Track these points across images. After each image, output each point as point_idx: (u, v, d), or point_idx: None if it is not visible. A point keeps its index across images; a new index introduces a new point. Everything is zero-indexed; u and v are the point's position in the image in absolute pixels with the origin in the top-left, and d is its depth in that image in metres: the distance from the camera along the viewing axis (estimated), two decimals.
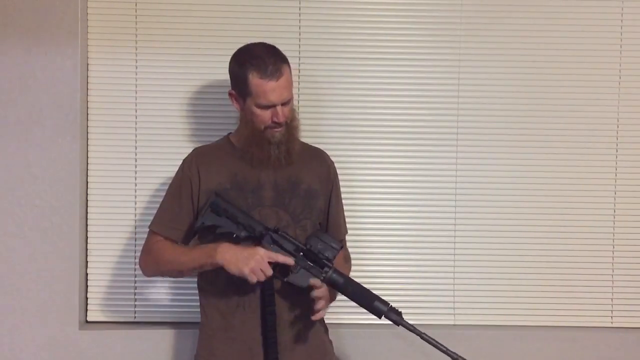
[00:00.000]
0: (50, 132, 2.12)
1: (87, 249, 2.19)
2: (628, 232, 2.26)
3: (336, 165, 1.95)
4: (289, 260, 1.69)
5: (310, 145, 1.96)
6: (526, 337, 2.22)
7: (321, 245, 1.71)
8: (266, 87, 1.72)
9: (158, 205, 1.88)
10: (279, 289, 1.74)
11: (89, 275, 2.20)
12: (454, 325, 2.24)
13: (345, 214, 1.98)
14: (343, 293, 1.74)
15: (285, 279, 1.70)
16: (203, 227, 1.75)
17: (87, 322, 2.20)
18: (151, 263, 1.85)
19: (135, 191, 2.20)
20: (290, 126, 1.80)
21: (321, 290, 1.71)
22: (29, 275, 2.13)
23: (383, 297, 1.72)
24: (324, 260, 1.70)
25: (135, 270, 2.19)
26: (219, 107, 2.18)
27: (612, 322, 2.27)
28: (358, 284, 1.74)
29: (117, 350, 2.15)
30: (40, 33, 2.10)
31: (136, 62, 2.19)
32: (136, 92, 2.19)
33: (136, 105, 2.19)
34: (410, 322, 2.22)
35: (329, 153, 1.96)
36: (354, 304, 2.19)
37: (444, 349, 1.67)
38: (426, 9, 2.22)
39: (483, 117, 2.23)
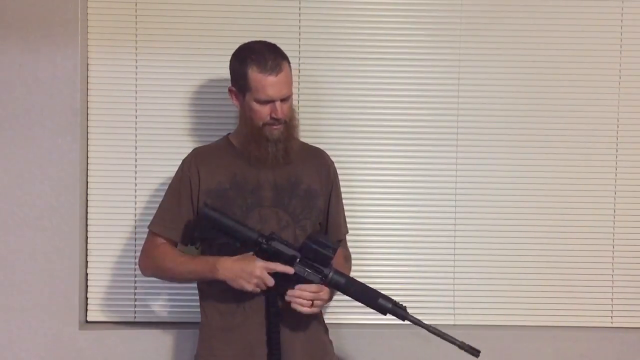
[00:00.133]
0: (50, 132, 2.12)
1: (87, 249, 2.19)
2: (628, 232, 2.26)
3: (336, 165, 1.95)
4: (288, 269, 1.68)
5: (310, 145, 1.96)
6: (526, 337, 2.22)
7: (318, 248, 1.68)
8: (265, 82, 1.73)
9: (158, 205, 1.88)
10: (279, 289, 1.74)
11: (89, 275, 2.20)
12: (454, 325, 2.24)
13: (345, 214, 1.98)
14: (345, 293, 1.74)
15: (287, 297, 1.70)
16: (198, 238, 1.74)
17: (87, 322, 2.20)
18: (151, 266, 1.86)
19: (135, 191, 2.20)
20: (289, 125, 1.80)
21: (324, 292, 1.71)
22: (29, 275, 2.13)
23: None
24: (325, 258, 1.69)
25: (135, 270, 2.19)
26: (218, 107, 2.18)
27: (612, 322, 2.27)
28: (360, 283, 1.74)
29: (117, 350, 2.15)
30: (40, 33, 2.10)
31: (136, 62, 2.19)
32: (136, 92, 2.19)
33: (136, 105, 2.19)
34: None
35: (328, 153, 1.96)
36: (353, 304, 2.19)
37: (451, 339, 1.71)
38: (426, 9, 2.22)
39: (483, 117, 2.23)
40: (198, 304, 1.87)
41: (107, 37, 2.18)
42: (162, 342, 2.16)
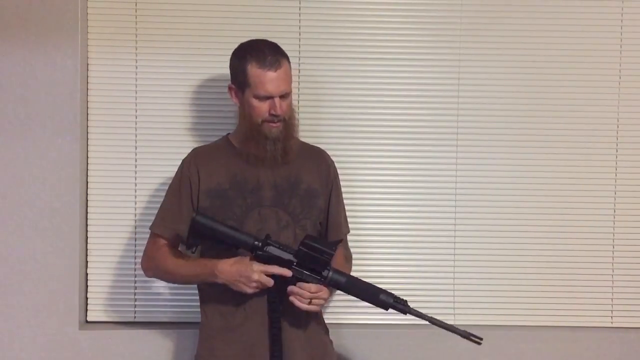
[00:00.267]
0: (50, 132, 2.12)
1: (87, 249, 2.19)
2: (628, 232, 2.26)
3: (336, 165, 1.95)
4: (286, 272, 1.68)
5: (311, 145, 1.96)
6: (526, 337, 2.22)
7: (314, 254, 1.67)
8: (264, 78, 1.73)
9: (158, 205, 1.89)
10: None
11: (89, 275, 2.20)
12: (454, 325, 2.24)
13: (346, 213, 1.98)
14: (346, 292, 1.74)
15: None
16: (193, 245, 1.73)
17: (87, 322, 2.20)
18: (152, 268, 1.87)
19: (135, 191, 2.20)
20: (288, 123, 1.80)
21: (323, 292, 1.71)
22: (29, 275, 2.13)
23: None
24: (320, 264, 1.68)
25: (135, 270, 2.19)
26: (218, 107, 2.18)
27: (612, 322, 2.27)
28: (359, 280, 1.75)
29: (117, 350, 2.15)
30: (40, 33, 2.10)
31: (136, 62, 2.19)
32: (136, 92, 2.19)
33: (136, 105, 2.19)
34: (411, 321, 2.24)
35: (328, 153, 1.97)
36: (353, 304, 2.20)
37: (454, 329, 1.73)
38: (426, 9, 2.22)
39: (483, 117, 2.23)
40: (198, 304, 1.88)
41: (107, 37, 2.18)
42: (162, 342, 2.16)
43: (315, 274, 1.69)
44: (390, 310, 1.74)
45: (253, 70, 1.74)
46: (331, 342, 1.91)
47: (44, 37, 2.10)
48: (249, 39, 1.84)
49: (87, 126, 2.18)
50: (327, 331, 1.91)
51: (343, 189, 1.97)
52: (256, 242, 1.68)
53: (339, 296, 2.21)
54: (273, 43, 1.80)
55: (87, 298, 2.21)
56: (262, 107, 1.76)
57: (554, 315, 2.25)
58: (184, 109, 2.19)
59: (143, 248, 1.91)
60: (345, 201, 1.98)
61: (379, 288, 1.73)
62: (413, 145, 2.23)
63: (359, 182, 2.21)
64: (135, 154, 2.20)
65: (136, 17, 2.18)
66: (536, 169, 2.24)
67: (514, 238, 2.24)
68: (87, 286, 2.20)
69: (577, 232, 2.25)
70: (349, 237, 1.99)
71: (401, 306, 1.72)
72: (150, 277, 1.92)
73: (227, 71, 1.84)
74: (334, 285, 1.71)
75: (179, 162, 1.89)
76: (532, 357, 2.21)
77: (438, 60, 2.22)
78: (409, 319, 2.21)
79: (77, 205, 2.13)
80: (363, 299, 1.74)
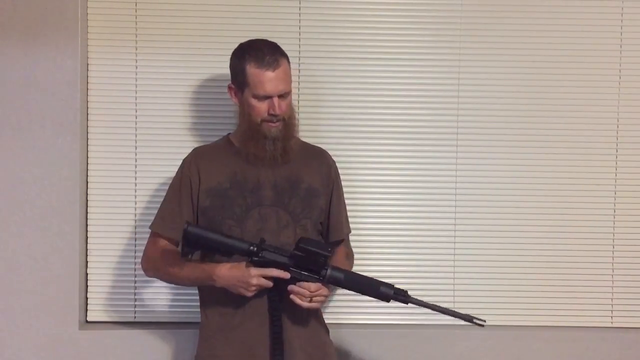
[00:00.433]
0: (50, 132, 2.12)
1: (87, 249, 2.19)
2: (628, 232, 2.26)
3: (336, 165, 1.95)
4: (284, 275, 1.68)
5: (312, 145, 1.96)
6: (526, 337, 2.22)
7: (308, 258, 1.66)
8: (263, 77, 1.73)
9: (158, 205, 1.89)
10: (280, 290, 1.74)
11: (89, 275, 2.20)
12: (454, 325, 2.23)
13: (347, 213, 1.98)
14: (346, 288, 1.74)
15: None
16: (188, 253, 1.72)
17: (87, 322, 2.20)
18: (152, 268, 1.87)
19: (135, 191, 2.20)
20: (288, 123, 1.80)
21: (323, 289, 1.71)
22: (29, 275, 2.13)
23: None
24: (317, 265, 1.68)
25: (135, 270, 2.19)
26: (218, 107, 2.18)
27: (612, 322, 2.27)
28: (358, 275, 1.74)
29: (117, 350, 2.15)
30: (40, 33, 2.10)
31: (136, 62, 2.19)
32: (136, 92, 2.19)
33: (136, 105, 2.19)
34: (411, 321, 2.24)
35: (329, 153, 1.96)
36: (353, 304, 2.20)
37: (456, 314, 1.73)
38: (426, 9, 2.22)
39: (483, 117, 2.23)
40: (198, 304, 1.88)
41: (107, 37, 2.18)
42: (162, 342, 2.16)
43: (314, 273, 1.69)
44: (392, 302, 1.73)
45: (252, 70, 1.74)
46: (332, 342, 1.91)
47: (44, 37, 2.10)
48: (249, 39, 1.84)
49: (87, 126, 2.18)
50: (327, 331, 1.91)
51: (343, 189, 1.97)
52: (251, 247, 1.67)
53: (339, 296, 2.21)
54: (272, 43, 1.80)
55: (87, 298, 2.21)
56: (261, 107, 1.76)
57: (554, 315, 2.25)
58: (183, 109, 2.19)
59: (143, 248, 1.91)
60: (345, 201, 1.98)
61: (378, 281, 1.73)
62: (413, 145, 2.23)
63: (358, 182, 2.21)
64: (135, 154, 2.20)
65: (136, 17, 2.18)
66: (536, 169, 2.24)
67: (514, 238, 2.24)
68: (87, 286, 2.20)
69: (577, 232, 2.25)
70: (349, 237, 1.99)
71: (402, 297, 1.72)
72: (151, 277, 1.93)
73: (227, 71, 1.84)
74: (333, 283, 1.71)
75: (179, 162, 1.89)
76: (532, 357, 2.21)
77: (438, 60, 2.22)
78: (409, 319, 2.23)
79: (77, 205, 2.13)
80: (364, 293, 1.74)
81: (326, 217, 1.90)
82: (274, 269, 1.67)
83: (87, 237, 2.19)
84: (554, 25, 2.23)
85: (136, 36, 2.18)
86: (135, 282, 2.20)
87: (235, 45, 1.83)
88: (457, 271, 2.24)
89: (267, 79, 1.73)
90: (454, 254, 2.24)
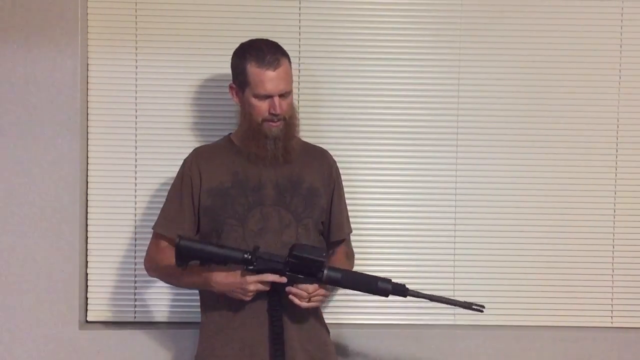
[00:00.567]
0: (50, 132, 2.12)
1: (87, 249, 2.19)
2: (628, 232, 2.26)
3: (337, 165, 1.95)
4: (281, 280, 1.68)
5: (313, 145, 1.97)
6: (526, 337, 2.22)
7: (305, 260, 1.66)
8: (263, 77, 1.73)
9: (158, 205, 1.89)
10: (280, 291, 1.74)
11: (89, 275, 2.20)
12: (454, 325, 2.24)
13: (348, 213, 1.98)
14: (345, 287, 1.74)
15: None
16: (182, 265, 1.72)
17: (87, 322, 2.20)
18: (154, 269, 1.88)
19: (135, 191, 2.20)
20: (289, 123, 1.80)
21: (321, 290, 1.71)
22: (29, 275, 2.13)
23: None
24: (313, 270, 1.67)
25: (135, 271, 2.19)
26: (218, 107, 2.18)
27: (612, 322, 2.27)
28: (355, 273, 1.75)
29: (117, 350, 2.15)
30: (40, 33, 2.10)
31: (136, 62, 2.19)
32: (136, 92, 2.19)
33: (136, 105, 2.19)
34: (411, 321, 2.24)
35: (330, 153, 1.96)
36: (353, 304, 2.20)
37: (454, 302, 1.75)
38: (426, 9, 2.22)
39: (483, 117, 2.23)
40: (198, 304, 1.88)
41: (107, 37, 2.18)
42: (162, 342, 2.16)
43: (310, 276, 1.69)
44: (392, 302, 1.73)
45: (252, 69, 1.75)
46: (332, 343, 1.91)
47: (44, 37, 2.10)
48: (249, 39, 1.84)
49: (87, 126, 2.18)
50: (328, 331, 1.91)
51: (344, 189, 1.97)
52: (245, 255, 1.67)
53: (339, 296, 2.21)
54: (273, 42, 1.80)
55: (87, 298, 2.21)
56: (262, 106, 1.76)
57: (554, 315, 2.25)
58: (183, 109, 2.19)
59: (143, 248, 1.91)
60: (346, 201, 1.98)
61: (375, 277, 1.73)
62: (413, 145, 2.23)
63: (358, 182, 2.21)
64: (135, 154, 2.20)
65: (136, 17, 2.18)
66: (536, 169, 2.24)
67: (514, 238, 2.24)
68: (87, 286, 2.20)
69: (577, 232, 2.25)
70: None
71: (400, 290, 1.72)
72: (153, 277, 1.93)
73: (227, 71, 1.84)
74: (331, 283, 1.71)
75: (180, 162, 1.89)
76: (532, 357, 2.21)
77: (438, 60, 2.22)
78: (409, 319, 2.23)
79: (77, 205, 2.13)
80: (362, 291, 1.74)
81: (327, 217, 1.90)
82: (270, 275, 1.67)
83: (87, 237, 2.19)
84: (554, 25, 2.23)
85: (136, 36, 2.18)
86: (135, 282, 2.20)
87: (236, 45, 1.83)
88: (457, 271, 2.24)
89: (267, 78, 1.73)
90: (454, 254, 2.24)
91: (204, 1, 2.18)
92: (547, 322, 2.25)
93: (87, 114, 2.18)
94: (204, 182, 1.82)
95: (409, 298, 1.75)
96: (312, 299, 1.70)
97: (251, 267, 1.66)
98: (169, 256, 1.79)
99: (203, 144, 2.04)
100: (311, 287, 1.69)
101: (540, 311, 2.25)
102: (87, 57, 2.18)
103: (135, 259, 2.19)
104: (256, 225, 1.78)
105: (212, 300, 1.80)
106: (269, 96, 1.75)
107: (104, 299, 2.21)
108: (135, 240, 2.19)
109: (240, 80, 1.78)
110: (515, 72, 2.23)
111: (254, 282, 1.68)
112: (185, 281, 1.82)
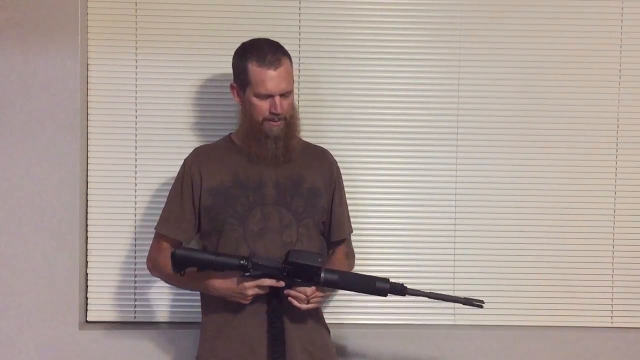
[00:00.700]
0: (50, 132, 2.12)
1: (87, 249, 2.19)
2: (628, 232, 2.26)
3: (338, 165, 1.95)
4: (279, 284, 1.68)
5: (314, 145, 1.97)
6: (526, 337, 2.22)
7: (300, 266, 1.66)
8: (264, 76, 1.73)
9: (158, 205, 1.89)
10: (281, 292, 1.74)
11: (89, 275, 2.20)
12: (454, 325, 2.24)
13: (349, 213, 1.98)
14: (343, 289, 1.74)
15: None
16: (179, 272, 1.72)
17: (87, 322, 2.20)
18: (155, 269, 1.89)
19: (135, 191, 2.20)
20: (290, 122, 1.80)
21: (319, 293, 1.72)
22: (29, 275, 2.13)
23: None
24: (309, 274, 1.67)
25: (135, 271, 2.19)
26: (218, 107, 2.18)
27: (612, 322, 2.27)
28: (353, 274, 1.75)
29: (117, 350, 2.15)
30: (40, 33, 2.10)
31: (136, 62, 2.19)
32: (136, 92, 2.19)
33: (136, 105, 2.19)
34: (411, 321, 2.24)
35: (330, 153, 1.96)
36: (353, 304, 2.20)
37: (454, 298, 1.74)
38: (426, 9, 2.22)
39: (483, 117, 2.23)
40: (198, 304, 1.88)
41: (107, 37, 2.18)
42: (162, 342, 2.16)
43: (307, 280, 1.69)
44: (392, 302, 1.73)
45: (253, 68, 1.75)
46: (333, 343, 1.91)
47: (44, 37, 2.10)
48: (249, 39, 1.84)
49: (87, 126, 2.18)
50: (328, 331, 1.91)
51: (344, 189, 1.97)
52: (242, 262, 1.67)
53: (340, 296, 2.21)
54: (274, 42, 1.80)
55: (87, 298, 2.21)
56: (263, 106, 1.76)
57: (554, 315, 2.26)
58: (183, 109, 2.19)
59: (143, 248, 1.91)
60: (347, 201, 1.98)
61: (373, 277, 1.73)
62: (413, 145, 2.23)
63: (358, 182, 2.21)
64: (135, 154, 2.20)
65: (136, 17, 2.18)
66: (536, 169, 2.24)
67: (513, 238, 2.24)
68: (87, 286, 2.20)
69: (577, 232, 2.25)
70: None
71: (399, 290, 1.72)
72: (155, 277, 1.93)
73: (227, 71, 1.84)
74: (328, 285, 1.71)
75: (180, 162, 1.89)
76: (532, 357, 2.21)
77: (438, 60, 2.22)
78: (409, 319, 2.23)
79: (77, 205, 2.13)
80: (360, 291, 1.74)
81: (328, 217, 1.90)
82: (268, 279, 1.68)
83: (87, 237, 2.19)
84: (554, 26, 2.23)
85: (136, 36, 2.18)
86: (135, 282, 2.20)
87: (236, 45, 1.83)
88: (457, 271, 2.24)
89: (268, 77, 1.73)
90: (454, 254, 2.24)
91: (204, 1, 2.18)
92: (547, 322, 2.25)
93: (87, 114, 2.18)
94: (204, 181, 1.82)
95: (409, 298, 1.75)
96: (311, 300, 1.71)
97: (247, 274, 1.67)
98: (168, 259, 1.79)
99: (203, 143, 2.04)
100: (309, 290, 1.69)
101: (540, 311, 2.25)
102: (87, 57, 2.18)
103: (135, 259, 2.19)
104: (257, 225, 1.78)
105: (213, 301, 1.80)
106: (269, 96, 1.75)
107: (104, 299, 2.21)
108: (135, 240, 2.19)
109: (241, 79, 1.78)
110: (515, 72, 2.23)
111: (252, 287, 1.69)
112: (185, 285, 1.85)
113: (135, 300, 2.21)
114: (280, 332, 1.72)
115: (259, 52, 1.75)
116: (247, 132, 1.81)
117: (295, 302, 1.70)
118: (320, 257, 1.70)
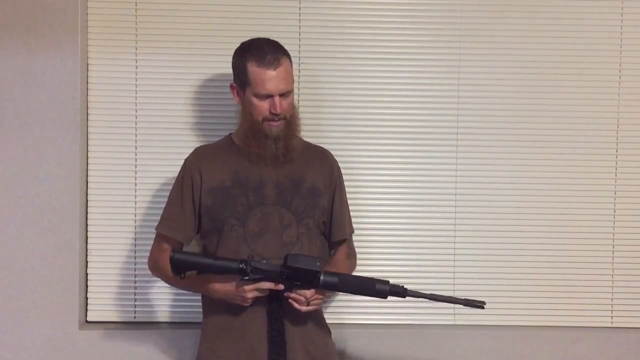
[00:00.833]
0: (50, 132, 2.12)
1: (87, 249, 2.19)
2: (628, 232, 2.26)
3: (338, 165, 1.95)
4: (278, 287, 1.68)
5: (315, 145, 1.97)
6: (526, 337, 2.22)
7: (299, 271, 1.66)
8: (264, 76, 1.73)
9: (158, 205, 1.90)
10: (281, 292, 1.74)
11: (89, 275, 2.20)
12: (454, 325, 2.24)
13: (350, 214, 1.98)
14: (342, 291, 1.74)
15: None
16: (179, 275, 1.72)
17: (87, 322, 2.20)
18: (157, 271, 1.89)
19: (135, 191, 2.20)
20: (289, 122, 1.80)
21: (319, 295, 1.72)
22: (29, 275, 2.13)
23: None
24: (308, 278, 1.67)
25: (135, 271, 2.19)
26: (218, 107, 2.18)
27: (612, 322, 2.27)
28: (352, 276, 1.75)
29: (117, 350, 2.15)
30: (40, 33, 2.10)
31: (136, 62, 2.19)
32: (136, 92, 2.19)
33: (136, 105, 2.19)
34: (411, 321, 2.24)
35: (331, 153, 1.96)
36: (353, 304, 2.20)
37: (454, 300, 1.73)
38: (426, 9, 2.22)
39: (483, 117, 2.23)
40: (199, 304, 1.88)
41: (107, 37, 2.18)
42: (162, 342, 2.16)
43: (307, 283, 1.69)
44: (392, 302, 1.73)
45: (253, 68, 1.75)
46: (334, 343, 1.91)
47: (44, 37, 2.10)
48: (248, 39, 1.84)
49: (87, 126, 2.18)
50: (329, 331, 1.91)
51: (345, 189, 1.97)
52: (240, 265, 1.67)
53: (340, 296, 2.21)
54: (274, 41, 1.80)
55: (87, 298, 2.21)
56: (263, 106, 1.76)
57: (554, 315, 2.25)
58: (183, 109, 2.19)
59: (143, 248, 1.91)
60: (348, 201, 1.98)
61: (373, 279, 1.73)
62: (413, 145, 2.23)
63: (358, 182, 2.21)
64: (135, 154, 2.20)
65: (136, 17, 2.18)
66: (536, 169, 2.24)
67: (513, 238, 2.24)
68: (87, 286, 2.20)
69: (577, 232, 2.25)
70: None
71: (399, 291, 1.72)
72: (156, 277, 1.94)
73: (227, 71, 1.84)
74: (328, 288, 1.72)
75: (180, 162, 1.89)
76: (532, 357, 2.21)
77: (438, 60, 2.22)
78: (409, 319, 2.23)
79: (77, 205, 2.13)
80: (360, 294, 1.74)
81: (328, 217, 1.90)
82: (267, 283, 1.68)
83: (87, 237, 2.19)
84: (554, 26, 2.23)
85: (136, 36, 2.18)
86: (135, 282, 2.20)
87: (236, 45, 1.83)
88: (457, 271, 2.24)
89: (268, 77, 1.73)
90: (454, 254, 2.24)
91: (204, 1, 2.18)
92: (547, 322, 2.25)
93: (87, 114, 2.18)
94: (204, 181, 1.82)
95: (409, 298, 1.75)
96: (311, 302, 1.71)
97: (246, 278, 1.67)
98: (168, 277, 1.80)
99: (203, 143, 2.04)
100: (309, 293, 1.69)
101: (540, 311, 2.25)
102: (87, 57, 2.18)
103: (135, 258, 2.19)
104: (257, 225, 1.78)
105: (214, 302, 1.80)
106: (269, 95, 1.75)
107: (104, 299, 2.21)
108: (135, 240, 2.19)
109: (241, 79, 1.78)
110: (515, 72, 2.23)
111: (251, 290, 1.69)
112: (186, 287, 1.86)
113: (136, 300, 2.21)
114: (280, 333, 1.73)
115: (259, 52, 1.75)
116: (247, 132, 1.81)
117: (295, 305, 1.70)
118: (319, 261, 1.69)
